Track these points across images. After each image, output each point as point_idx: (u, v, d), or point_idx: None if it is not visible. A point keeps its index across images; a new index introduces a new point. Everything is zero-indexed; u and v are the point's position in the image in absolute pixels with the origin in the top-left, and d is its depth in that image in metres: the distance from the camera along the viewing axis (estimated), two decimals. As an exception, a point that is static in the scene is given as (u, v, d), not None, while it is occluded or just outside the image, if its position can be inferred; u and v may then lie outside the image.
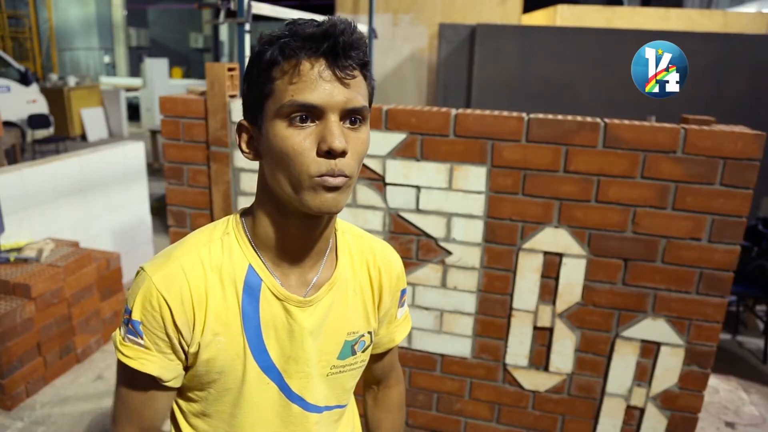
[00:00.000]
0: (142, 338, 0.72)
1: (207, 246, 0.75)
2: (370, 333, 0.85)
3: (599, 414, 1.95)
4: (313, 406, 0.81)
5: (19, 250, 2.78)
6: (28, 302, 2.51)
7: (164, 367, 0.73)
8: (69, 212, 3.41)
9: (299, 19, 0.68)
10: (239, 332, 0.74)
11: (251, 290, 0.74)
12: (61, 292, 2.70)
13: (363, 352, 0.85)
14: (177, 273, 0.72)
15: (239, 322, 0.74)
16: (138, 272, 0.74)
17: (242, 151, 0.74)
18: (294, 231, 0.74)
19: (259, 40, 0.69)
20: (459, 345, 2.03)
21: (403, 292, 0.93)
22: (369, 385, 1.02)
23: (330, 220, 0.76)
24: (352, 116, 0.68)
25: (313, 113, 0.65)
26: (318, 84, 0.64)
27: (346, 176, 0.67)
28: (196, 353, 0.73)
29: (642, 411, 1.90)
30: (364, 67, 0.69)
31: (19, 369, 2.49)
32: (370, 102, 0.72)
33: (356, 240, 0.86)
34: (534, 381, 1.98)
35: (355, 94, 0.67)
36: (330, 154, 0.65)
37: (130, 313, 0.72)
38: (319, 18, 0.71)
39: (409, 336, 2.07)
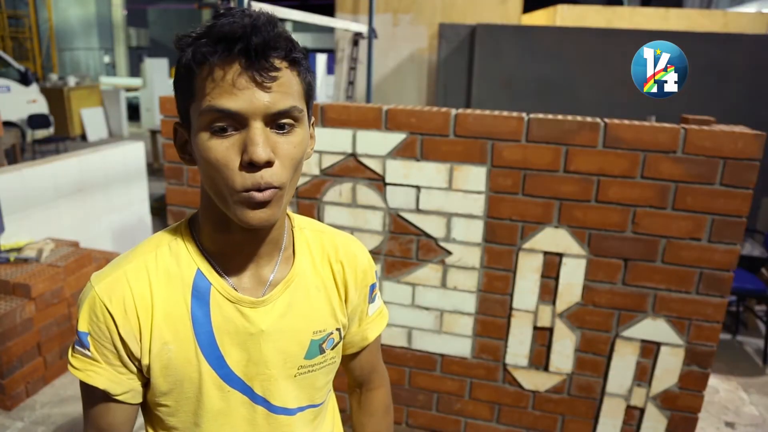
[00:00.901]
0: (89, 349, 0.69)
1: (154, 252, 0.72)
2: (338, 330, 0.82)
3: (599, 414, 1.95)
4: (281, 408, 0.78)
5: (19, 250, 2.78)
6: (28, 302, 2.51)
7: (112, 380, 0.70)
8: (69, 212, 3.41)
9: (227, 11, 0.63)
10: (190, 339, 0.71)
11: (200, 295, 0.72)
12: (61, 292, 2.70)
13: (333, 349, 0.82)
14: (119, 281, 0.69)
15: (189, 328, 0.71)
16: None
17: (179, 155, 0.71)
18: (237, 236, 0.71)
19: (176, 42, 0.64)
20: (459, 345, 2.03)
21: (373, 287, 0.88)
22: (352, 388, 0.99)
23: (273, 224, 0.71)
24: (278, 120, 0.63)
25: (235, 120, 0.61)
26: (233, 91, 0.60)
27: (274, 188, 0.63)
28: (149, 365, 0.71)
29: (642, 411, 1.90)
30: (295, 63, 0.64)
31: (19, 369, 2.49)
32: (309, 99, 0.67)
33: (316, 235, 0.82)
34: (534, 381, 1.98)
35: (280, 96, 0.62)
36: (253, 166, 0.61)
37: (78, 323, 0.70)
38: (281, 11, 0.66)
39: (409, 336, 2.07)
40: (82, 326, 0.70)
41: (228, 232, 0.71)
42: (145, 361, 0.70)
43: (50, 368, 2.69)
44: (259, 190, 0.62)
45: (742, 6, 8.04)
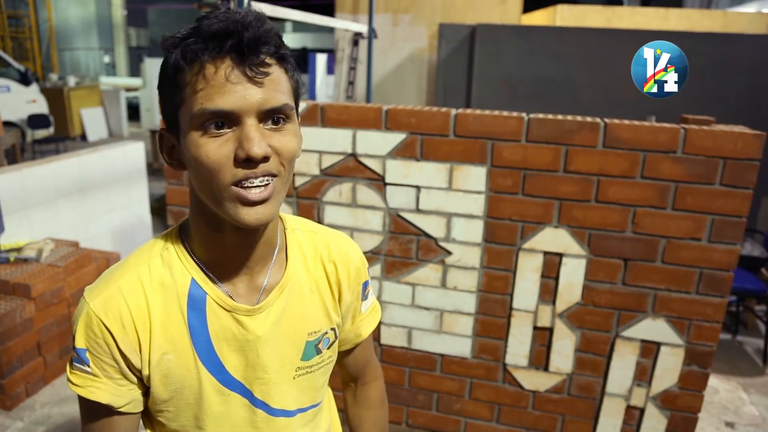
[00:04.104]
0: (89, 365, 0.69)
1: (146, 264, 0.71)
2: (333, 329, 0.83)
3: (599, 414, 1.95)
4: (279, 410, 0.79)
5: (19, 250, 2.78)
6: (28, 302, 2.51)
7: (114, 393, 0.70)
8: (69, 212, 3.41)
9: (211, 11, 0.62)
10: (188, 348, 0.71)
11: (196, 304, 0.71)
12: (61, 292, 2.70)
13: (329, 348, 0.83)
14: (115, 296, 0.69)
15: (187, 338, 0.71)
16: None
17: (166, 162, 0.70)
18: (230, 240, 0.70)
19: (162, 43, 0.63)
20: (459, 345, 2.03)
21: (365, 284, 0.88)
22: (347, 383, 1.00)
23: (268, 225, 0.71)
24: (273, 116, 0.62)
25: (228, 119, 0.60)
26: (227, 87, 0.59)
27: (273, 175, 0.63)
28: (149, 375, 0.71)
29: (642, 411, 1.90)
30: (283, 60, 0.64)
31: (19, 369, 2.49)
32: (297, 97, 0.67)
33: (309, 236, 0.82)
34: (534, 381, 1.98)
35: (273, 92, 0.61)
36: (250, 161, 0.60)
37: (74, 340, 0.70)
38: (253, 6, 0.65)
39: (409, 336, 2.07)
40: (80, 343, 0.69)
41: (221, 236, 0.70)
42: (145, 372, 0.71)
43: (50, 368, 2.69)
44: (254, 180, 0.61)
45: (742, 6, 8.04)
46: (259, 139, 0.60)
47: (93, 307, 0.68)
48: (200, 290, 0.71)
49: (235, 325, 0.73)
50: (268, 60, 0.62)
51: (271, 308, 0.75)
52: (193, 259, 0.72)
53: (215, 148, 0.61)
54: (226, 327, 0.72)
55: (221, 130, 0.61)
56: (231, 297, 0.73)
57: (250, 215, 0.63)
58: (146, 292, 0.70)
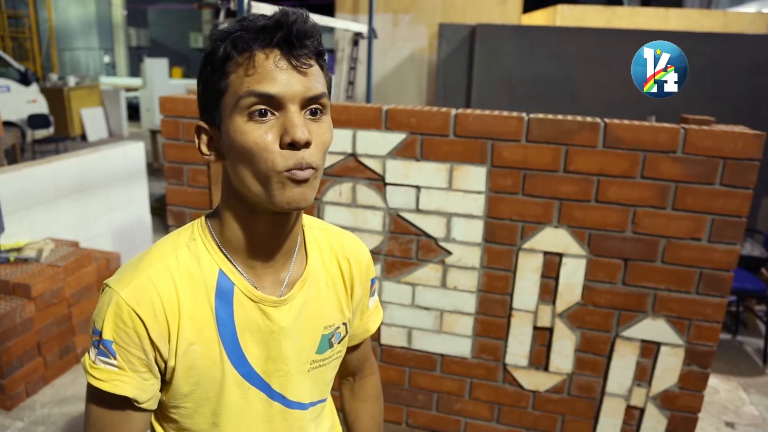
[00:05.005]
0: (115, 358, 0.68)
1: (174, 254, 0.72)
2: (345, 324, 0.86)
3: (599, 414, 1.95)
4: (295, 403, 0.81)
5: (19, 250, 2.78)
6: (28, 302, 2.51)
7: (139, 387, 0.70)
8: (69, 212, 3.41)
9: (250, 14, 0.67)
10: (215, 339, 0.72)
11: (224, 295, 0.73)
12: (61, 292, 2.70)
13: (339, 343, 0.86)
14: (146, 285, 0.69)
15: (214, 328, 0.72)
16: (103, 289, 0.71)
17: (202, 154, 0.72)
18: (263, 229, 0.72)
19: (210, 37, 0.68)
20: (459, 345, 2.03)
21: (373, 281, 0.93)
22: (345, 378, 1.02)
23: (298, 216, 0.75)
24: (312, 106, 0.66)
25: (272, 104, 0.64)
26: (274, 74, 0.63)
27: (313, 168, 0.66)
28: (174, 366, 0.71)
29: (642, 411, 1.90)
30: (320, 56, 0.68)
31: (19, 369, 2.49)
32: (330, 92, 0.72)
33: (324, 234, 0.86)
34: (534, 381, 1.98)
35: (314, 82, 0.66)
36: (293, 146, 0.64)
37: (100, 333, 0.68)
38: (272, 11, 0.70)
39: (409, 336, 2.07)
40: (107, 334, 0.68)
41: (254, 224, 0.72)
42: (171, 363, 0.71)
43: (50, 368, 2.69)
44: (300, 168, 0.65)
45: (742, 6, 8.04)
46: (302, 125, 0.64)
47: (124, 296, 0.68)
48: (228, 281, 0.73)
49: (260, 316, 0.74)
50: (310, 54, 0.66)
51: (294, 300, 0.77)
52: (220, 250, 0.74)
53: (261, 135, 0.64)
54: (252, 318, 0.74)
55: (265, 117, 0.64)
56: (257, 288, 0.74)
57: (295, 193, 0.65)
58: (176, 283, 0.71)
